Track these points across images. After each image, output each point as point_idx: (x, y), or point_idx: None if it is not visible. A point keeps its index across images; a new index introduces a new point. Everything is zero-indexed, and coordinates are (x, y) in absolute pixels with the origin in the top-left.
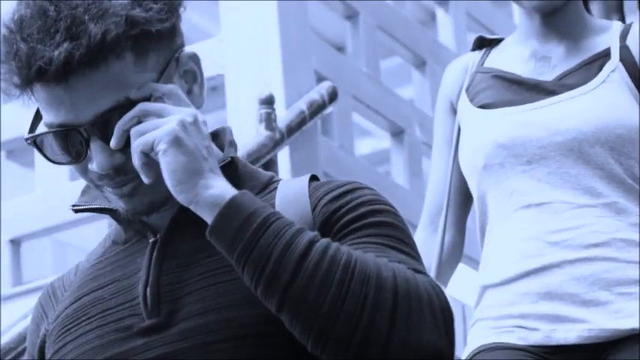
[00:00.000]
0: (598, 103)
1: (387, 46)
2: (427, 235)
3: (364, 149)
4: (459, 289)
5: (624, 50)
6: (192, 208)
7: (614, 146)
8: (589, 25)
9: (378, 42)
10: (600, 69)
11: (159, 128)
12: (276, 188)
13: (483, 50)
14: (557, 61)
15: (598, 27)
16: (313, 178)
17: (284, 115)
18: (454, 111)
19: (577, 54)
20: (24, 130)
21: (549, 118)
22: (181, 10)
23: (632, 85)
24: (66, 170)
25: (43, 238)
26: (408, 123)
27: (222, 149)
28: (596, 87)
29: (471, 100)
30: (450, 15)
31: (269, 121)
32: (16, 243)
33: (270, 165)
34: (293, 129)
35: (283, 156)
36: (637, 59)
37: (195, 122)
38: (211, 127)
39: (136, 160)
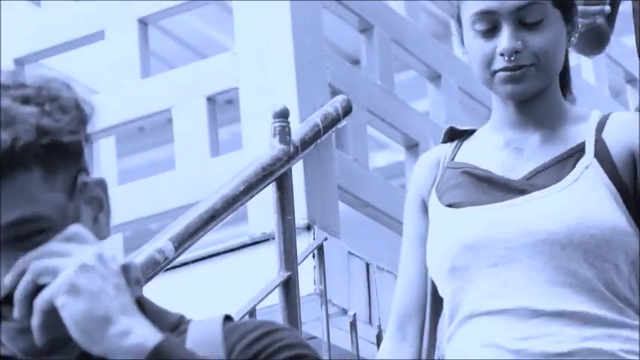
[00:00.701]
0: (571, 202)
1: (401, 60)
2: (395, 344)
3: (379, 162)
4: None
5: (599, 144)
6: (109, 358)
7: (588, 248)
8: (566, 114)
9: (392, 55)
10: (574, 165)
11: (54, 280)
12: (186, 330)
13: (455, 142)
14: (530, 153)
15: (575, 116)
16: (226, 318)
17: (298, 129)
18: (425, 209)
19: (552, 145)
20: None
21: (519, 217)
22: (88, 127)
23: (609, 182)
24: None
25: None
26: (422, 136)
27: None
28: (569, 185)
29: (440, 198)
30: None
31: (283, 134)
32: None
33: (285, 179)
34: (307, 142)
35: (297, 169)
36: (612, 154)
37: (100, 261)
38: (222, 142)
39: (35, 320)
